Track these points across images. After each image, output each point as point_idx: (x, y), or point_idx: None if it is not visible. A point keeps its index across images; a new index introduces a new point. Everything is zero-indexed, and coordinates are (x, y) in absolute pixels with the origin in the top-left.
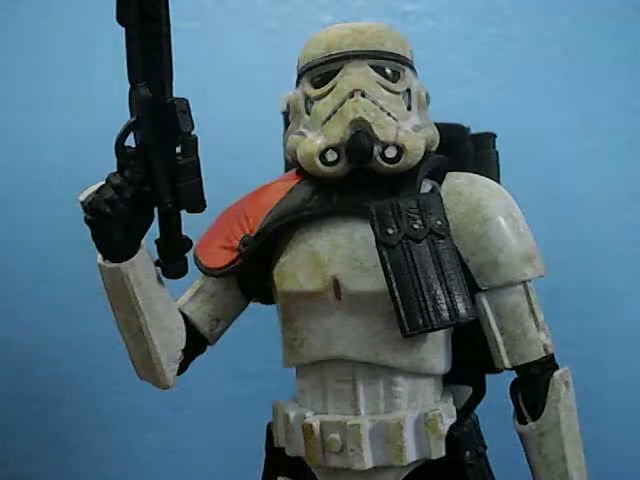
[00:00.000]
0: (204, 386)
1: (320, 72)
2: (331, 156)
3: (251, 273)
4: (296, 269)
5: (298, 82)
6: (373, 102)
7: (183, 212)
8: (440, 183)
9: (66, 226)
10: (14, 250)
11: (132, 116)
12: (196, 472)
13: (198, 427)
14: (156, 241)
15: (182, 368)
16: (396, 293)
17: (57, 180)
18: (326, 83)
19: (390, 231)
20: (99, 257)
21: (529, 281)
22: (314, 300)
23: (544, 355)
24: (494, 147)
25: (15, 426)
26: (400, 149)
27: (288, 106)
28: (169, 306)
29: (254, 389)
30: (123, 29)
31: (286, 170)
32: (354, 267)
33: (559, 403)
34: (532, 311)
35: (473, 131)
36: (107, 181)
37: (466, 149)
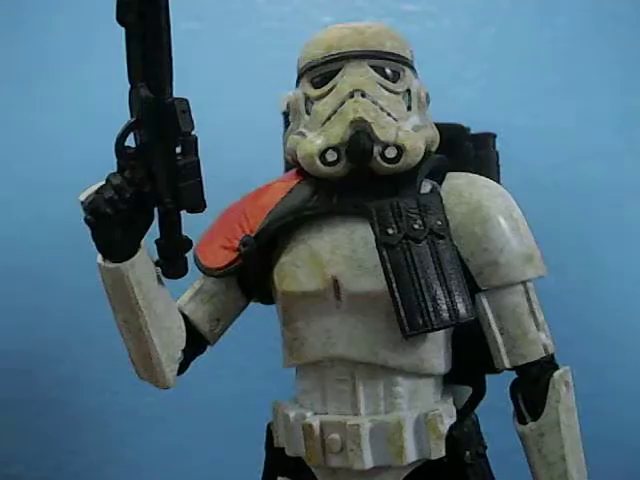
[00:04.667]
0: (204, 386)
1: (320, 72)
2: (331, 156)
3: (251, 273)
4: (296, 269)
5: (298, 82)
6: (373, 102)
7: (183, 212)
8: (440, 183)
9: (66, 226)
10: (14, 250)
11: (132, 116)
12: (196, 472)
13: (198, 427)
14: (156, 241)
15: (182, 368)
16: (396, 293)
17: (57, 180)
18: (326, 83)
19: (390, 231)
20: (99, 257)
21: (529, 281)
22: (314, 300)
23: (544, 355)
24: (494, 147)
25: (15, 427)
26: (400, 149)
27: (288, 106)
28: (169, 306)
29: (254, 389)
30: (123, 29)
31: (286, 170)
32: (354, 267)
33: (559, 403)
34: (532, 311)
35: (473, 131)
36: (107, 181)
37: (466, 149)
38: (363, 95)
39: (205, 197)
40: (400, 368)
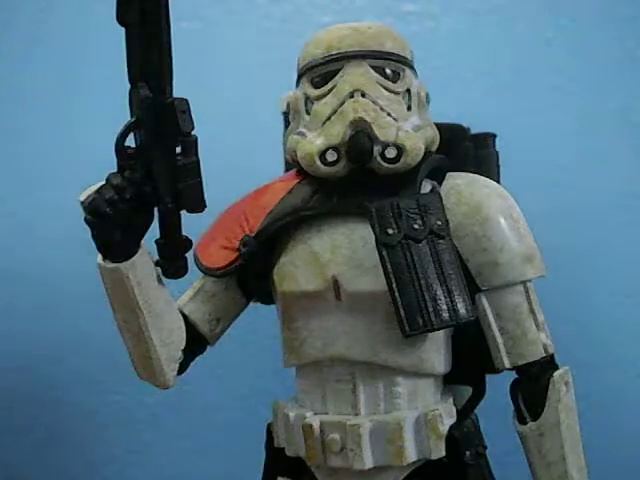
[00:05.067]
0: (204, 386)
1: (320, 72)
2: (331, 156)
3: (251, 273)
4: (296, 269)
5: (298, 82)
6: (373, 102)
7: (183, 212)
8: (440, 183)
9: (66, 226)
10: (14, 250)
11: (132, 116)
12: (196, 472)
13: (198, 427)
14: (156, 241)
15: (182, 368)
16: (396, 293)
17: (57, 180)
18: (326, 83)
19: (390, 231)
20: (99, 257)
21: (529, 281)
22: (314, 300)
23: (544, 355)
24: (494, 147)
25: (15, 426)
26: (400, 149)
27: (288, 106)
28: (169, 306)
29: (254, 389)
30: (123, 29)
31: (286, 170)
32: (354, 267)
33: (559, 403)
34: (532, 311)
35: (473, 131)
36: (107, 181)
37: (466, 149)
38: (363, 95)
39: (205, 197)
40: (400, 368)
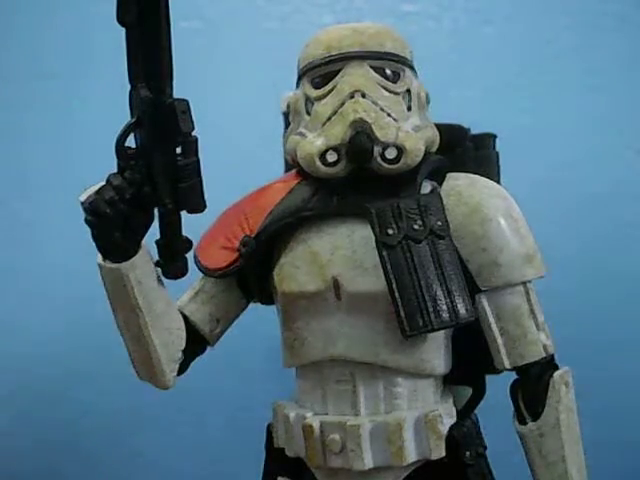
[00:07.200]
0: (204, 386)
1: (320, 73)
2: (331, 157)
3: (251, 274)
4: (296, 270)
5: (298, 83)
6: (373, 103)
7: (183, 212)
8: (440, 184)
9: (66, 226)
10: (14, 250)
11: (132, 116)
12: (196, 472)
13: (198, 427)
14: (156, 241)
15: (182, 368)
16: (396, 294)
17: (58, 180)
18: (326, 84)
19: (390, 231)
20: (99, 257)
21: (529, 282)
22: (314, 300)
23: (544, 356)
24: (494, 147)
25: (14, 427)
26: (400, 150)
27: (288, 107)
28: (169, 306)
29: (254, 389)
30: (123, 29)
31: (286, 170)
32: (354, 267)
33: (559, 404)
34: (532, 312)
35: (473, 131)
36: (107, 182)
37: (466, 149)
38: (363, 96)
39: (205, 197)
40: (400, 368)
